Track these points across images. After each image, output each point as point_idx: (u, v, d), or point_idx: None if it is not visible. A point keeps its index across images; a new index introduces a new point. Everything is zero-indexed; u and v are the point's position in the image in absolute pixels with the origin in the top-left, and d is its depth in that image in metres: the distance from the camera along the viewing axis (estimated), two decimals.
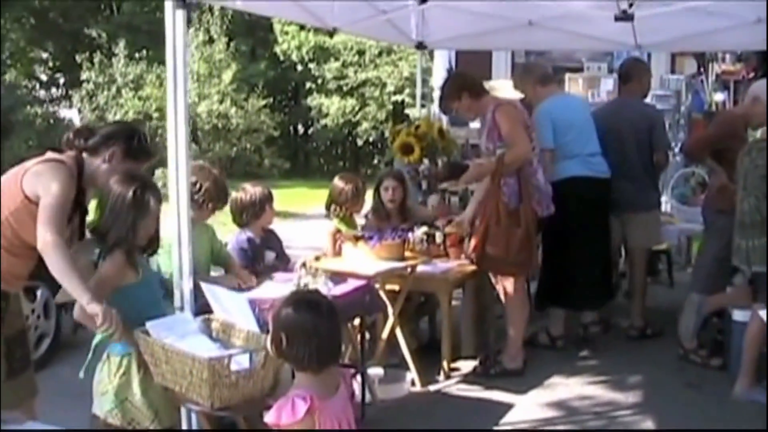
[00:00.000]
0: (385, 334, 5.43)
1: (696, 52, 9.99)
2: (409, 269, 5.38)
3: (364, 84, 22.66)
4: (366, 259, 5.25)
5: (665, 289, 7.82)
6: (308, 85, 24.16)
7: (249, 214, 5.14)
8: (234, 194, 5.15)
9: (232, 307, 3.60)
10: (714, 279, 5.78)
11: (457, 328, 5.89)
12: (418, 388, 5.38)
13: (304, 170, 24.77)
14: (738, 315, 5.33)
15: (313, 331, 2.73)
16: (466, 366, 5.73)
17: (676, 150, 8.46)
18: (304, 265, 5.39)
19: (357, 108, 22.73)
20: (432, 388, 5.43)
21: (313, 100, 23.82)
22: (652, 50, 8.14)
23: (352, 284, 4.64)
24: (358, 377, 4.83)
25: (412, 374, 5.39)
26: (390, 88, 21.53)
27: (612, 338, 6.45)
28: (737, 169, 5.14)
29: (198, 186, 4.46)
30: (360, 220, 6.22)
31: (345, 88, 23.00)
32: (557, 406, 5.16)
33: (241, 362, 3.24)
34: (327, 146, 26.50)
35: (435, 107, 7.87)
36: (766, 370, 5.10)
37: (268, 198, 5.19)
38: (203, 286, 3.83)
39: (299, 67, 23.97)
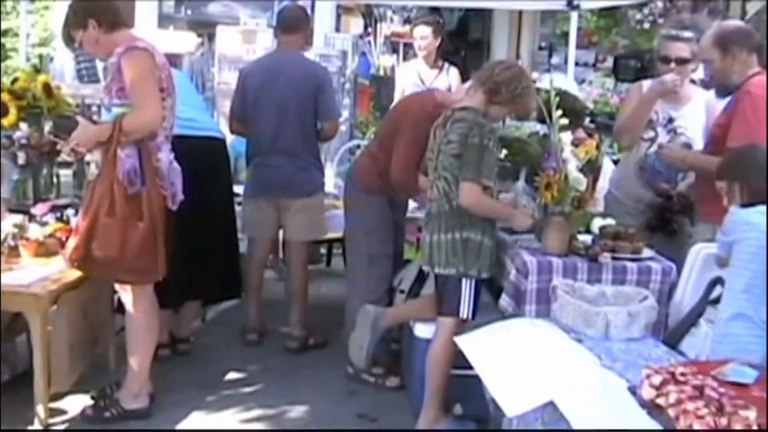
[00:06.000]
0: None
1: (363, 11, 9.12)
2: None
3: None
4: None
5: (327, 276, 6.75)
6: None
7: None
8: None
9: None
10: (376, 281, 4.70)
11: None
12: None
13: None
14: (420, 330, 4.23)
15: None
16: (78, 404, 4.21)
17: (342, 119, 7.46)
18: None
19: None
20: None
21: None
22: None
23: None
24: None
25: None
26: None
27: (268, 351, 5.22)
28: (429, 143, 4.09)
29: None
30: None
31: None
32: None
33: None
34: None
35: None
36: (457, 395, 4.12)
37: None
38: None
39: None
